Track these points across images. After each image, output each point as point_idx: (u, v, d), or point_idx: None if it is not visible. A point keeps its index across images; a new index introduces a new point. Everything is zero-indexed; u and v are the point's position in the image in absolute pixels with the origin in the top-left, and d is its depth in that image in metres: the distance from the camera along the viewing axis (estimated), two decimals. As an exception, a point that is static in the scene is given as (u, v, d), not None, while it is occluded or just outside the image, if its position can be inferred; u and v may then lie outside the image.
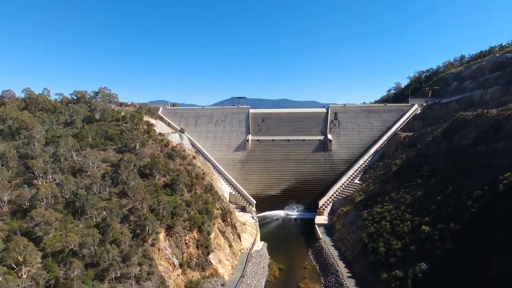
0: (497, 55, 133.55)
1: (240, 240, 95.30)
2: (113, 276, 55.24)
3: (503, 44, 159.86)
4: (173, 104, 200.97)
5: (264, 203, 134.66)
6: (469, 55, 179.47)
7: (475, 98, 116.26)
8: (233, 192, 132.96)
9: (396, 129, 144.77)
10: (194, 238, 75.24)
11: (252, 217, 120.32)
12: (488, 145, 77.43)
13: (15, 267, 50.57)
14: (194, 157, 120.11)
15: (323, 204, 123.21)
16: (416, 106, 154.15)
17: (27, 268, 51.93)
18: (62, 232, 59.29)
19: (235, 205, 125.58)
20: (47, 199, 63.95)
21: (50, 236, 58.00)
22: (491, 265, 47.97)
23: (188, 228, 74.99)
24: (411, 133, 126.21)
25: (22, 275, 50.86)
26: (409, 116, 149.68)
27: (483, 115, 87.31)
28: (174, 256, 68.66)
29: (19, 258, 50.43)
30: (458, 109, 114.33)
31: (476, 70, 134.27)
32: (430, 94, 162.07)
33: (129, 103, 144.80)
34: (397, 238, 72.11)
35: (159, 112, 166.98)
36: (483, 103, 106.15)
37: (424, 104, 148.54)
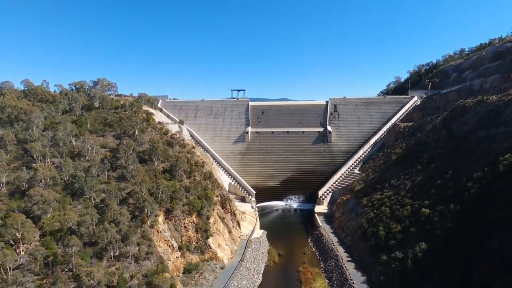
0: (496, 45, 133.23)
1: (239, 227, 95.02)
2: (112, 255, 55.06)
3: (503, 37, 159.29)
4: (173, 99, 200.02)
5: (263, 194, 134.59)
6: (469, 48, 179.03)
7: (475, 87, 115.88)
8: (233, 183, 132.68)
9: (396, 120, 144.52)
10: (193, 222, 74.97)
11: (252, 206, 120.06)
12: (488, 130, 77.03)
13: (13, 243, 50.29)
14: (193, 147, 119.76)
15: (322, 194, 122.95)
16: (415, 98, 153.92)
17: (25, 245, 51.69)
18: (61, 213, 58.98)
19: (234, 196, 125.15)
20: (45, 180, 63.63)
21: (48, 216, 57.71)
22: (492, 240, 47.72)
23: (187, 212, 74.72)
24: (411, 123, 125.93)
25: (20, 252, 50.61)
26: (408, 108, 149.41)
27: (483, 102, 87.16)
28: (173, 239, 68.42)
29: (17, 234, 50.16)
30: (458, 99, 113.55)
31: (476, 61, 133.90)
32: (430, 86, 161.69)
33: (128, 95, 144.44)
34: (396, 222, 71.95)
35: (159, 105, 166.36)
36: (483, 92, 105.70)
37: (424, 96, 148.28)
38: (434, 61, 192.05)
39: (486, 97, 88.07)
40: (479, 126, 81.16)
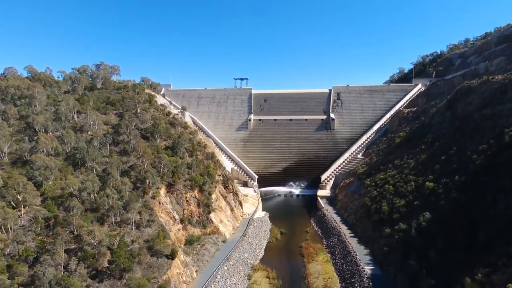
0: (502, 30, 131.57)
1: (241, 207, 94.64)
2: (113, 220, 54.82)
3: (509, 24, 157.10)
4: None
5: (266, 180, 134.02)
6: (474, 37, 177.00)
7: (480, 70, 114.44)
8: (235, 168, 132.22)
9: (400, 107, 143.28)
10: (195, 197, 74.63)
11: (254, 190, 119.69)
12: (494, 108, 76.09)
13: (14, 205, 50.13)
14: (195, 131, 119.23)
15: (325, 178, 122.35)
16: (420, 85, 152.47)
17: (27, 208, 51.54)
18: (62, 181, 58.80)
19: (237, 181, 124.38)
20: (47, 149, 63.47)
21: (50, 183, 57.58)
22: (497, 205, 47.00)
23: (189, 187, 74.44)
24: (415, 109, 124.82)
25: (21, 215, 50.47)
26: (413, 95, 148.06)
27: (488, 82, 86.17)
28: (175, 212, 68.12)
29: (18, 197, 50.00)
30: (463, 83, 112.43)
31: (481, 46, 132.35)
32: (434, 74, 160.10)
33: (131, 80, 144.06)
34: (400, 198, 71.30)
35: (161, 92, 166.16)
36: (488, 74, 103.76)
37: (428, 84, 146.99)
38: (439, 51, 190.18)
39: (491, 77, 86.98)
40: (484, 105, 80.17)
